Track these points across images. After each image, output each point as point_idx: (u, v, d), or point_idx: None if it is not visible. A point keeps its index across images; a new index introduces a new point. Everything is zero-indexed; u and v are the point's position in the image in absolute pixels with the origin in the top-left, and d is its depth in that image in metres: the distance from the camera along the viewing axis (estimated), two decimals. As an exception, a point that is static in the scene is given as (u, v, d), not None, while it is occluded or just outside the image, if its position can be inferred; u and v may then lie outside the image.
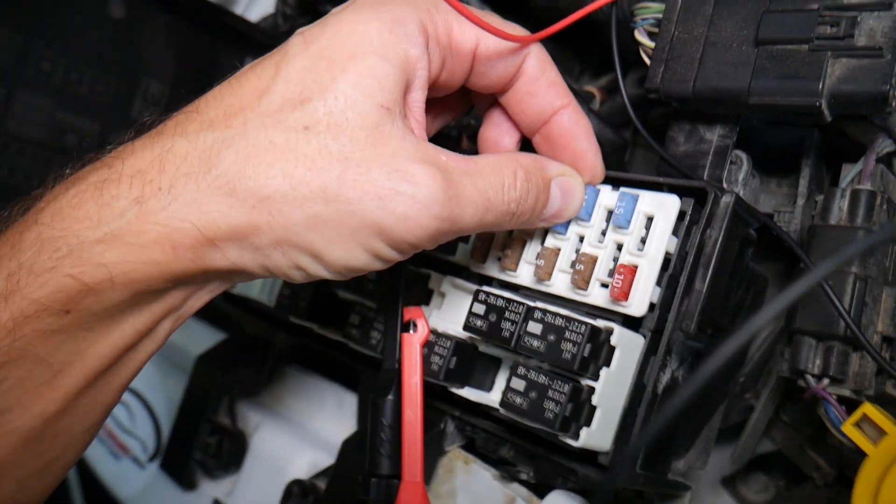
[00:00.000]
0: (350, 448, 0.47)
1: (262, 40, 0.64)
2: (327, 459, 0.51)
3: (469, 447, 0.46)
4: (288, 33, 0.65)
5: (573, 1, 0.54)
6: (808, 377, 0.38)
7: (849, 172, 0.39)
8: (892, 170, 0.40)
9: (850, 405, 0.37)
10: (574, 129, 0.38)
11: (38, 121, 0.57)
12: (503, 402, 0.37)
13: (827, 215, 0.38)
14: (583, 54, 0.68)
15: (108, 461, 0.68)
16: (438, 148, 0.33)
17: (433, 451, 0.46)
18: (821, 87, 0.35)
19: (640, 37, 0.43)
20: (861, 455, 0.33)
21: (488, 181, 0.34)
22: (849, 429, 0.33)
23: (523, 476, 0.43)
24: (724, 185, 0.41)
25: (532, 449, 0.41)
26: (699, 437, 0.44)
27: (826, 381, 0.38)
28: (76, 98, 0.59)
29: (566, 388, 0.36)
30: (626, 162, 0.56)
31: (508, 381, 0.38)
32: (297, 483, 0.48)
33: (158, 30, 0.62)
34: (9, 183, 0.57)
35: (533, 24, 0.63)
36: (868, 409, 0.32)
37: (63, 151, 0.59)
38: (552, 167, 0.37)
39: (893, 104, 0.35)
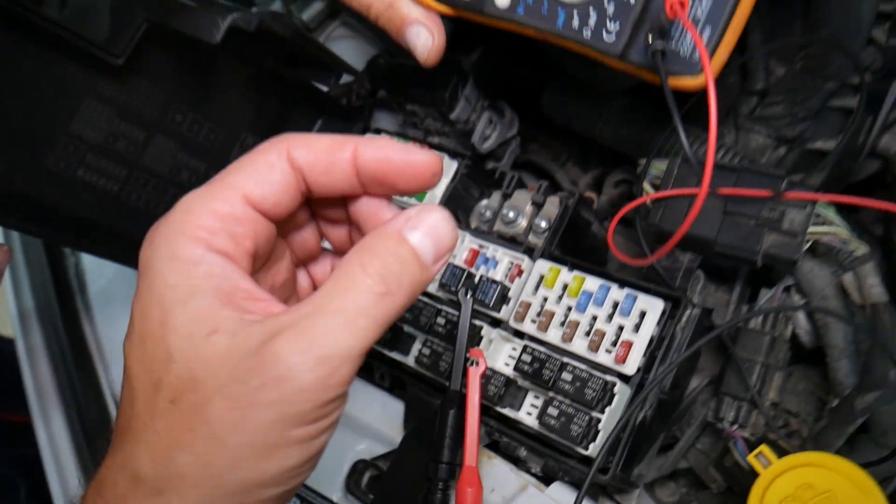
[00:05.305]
0: (411, 439, 0.65)
1: (332, 110, 0.81)
2: (381, 448, 0.69)
3: (493, 447, 0.66)
4: (357, 109, 0.82)
5: (610, 77, 0.65)
6: (725, 422, 0.61)
7: (765, 295, 0.62)
8: (790, 295, 0.63)
9: (749, 443, 0.59)
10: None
11: (164, 160, 0.72)
12: (542, 423, 0.57)
13: (747, 323, 0.61)
14: (568, 146, 0.88)
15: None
16: None
17: (468, 447, 0.65)
18: (759, 248, 0.57)
19: (646, 185, 0.64)
20: (753, 475, 0.55)
21: None
22: (751, 459, 0.55)
23: (533, 470, 0.63)
24: (688, 293, 0.63)
25: (543, 451, 0.61)
26: (647, 453, 0.65)
27: (736, 426, 0.60)
28: (194, 144, 0.74)
29: (585, 418, 0.56)
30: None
31: (545, 409, 0.58)
32: (362, 461, 0.66)
33: (258, 98, 0.78)
34: (138, 206, 0.72)
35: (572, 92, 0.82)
36: (764, 448, 0.54)
37: (178, 185, 0.74)
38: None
39: (798, 264, 0.58)
